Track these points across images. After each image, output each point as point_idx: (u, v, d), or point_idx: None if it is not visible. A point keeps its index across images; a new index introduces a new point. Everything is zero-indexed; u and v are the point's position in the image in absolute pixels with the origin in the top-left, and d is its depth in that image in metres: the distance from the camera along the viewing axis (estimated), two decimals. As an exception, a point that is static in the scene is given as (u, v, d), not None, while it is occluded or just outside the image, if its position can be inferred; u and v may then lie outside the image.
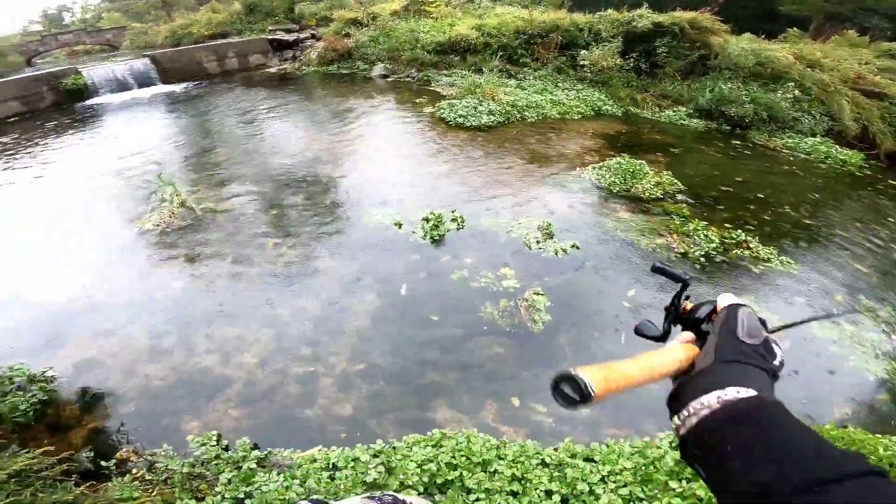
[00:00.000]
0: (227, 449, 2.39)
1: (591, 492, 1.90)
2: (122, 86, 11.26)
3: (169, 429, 2.59)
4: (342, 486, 1.96)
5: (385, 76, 10.43)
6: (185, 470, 2.17)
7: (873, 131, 7.33)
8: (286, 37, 13.31)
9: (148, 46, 15.10)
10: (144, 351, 3.12)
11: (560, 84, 9.27)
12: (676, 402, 0.47)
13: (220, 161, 6.32)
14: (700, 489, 1.81)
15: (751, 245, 4.10)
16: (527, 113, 7.60)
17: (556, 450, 2.22)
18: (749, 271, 3.84)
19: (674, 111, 8.33)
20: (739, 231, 4.30)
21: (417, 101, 8.43)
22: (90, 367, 3.02)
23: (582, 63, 9.40)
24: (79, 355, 3.11)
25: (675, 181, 5.32)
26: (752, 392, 0.43)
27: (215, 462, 2.27)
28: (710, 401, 0.44)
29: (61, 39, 18.54)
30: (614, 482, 1.93)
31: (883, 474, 0.36)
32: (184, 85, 11.65)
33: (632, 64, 9.17)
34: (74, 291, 3.75)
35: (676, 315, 0.66)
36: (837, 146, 7.18)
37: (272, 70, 12.59)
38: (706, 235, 4.18)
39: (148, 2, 20.11)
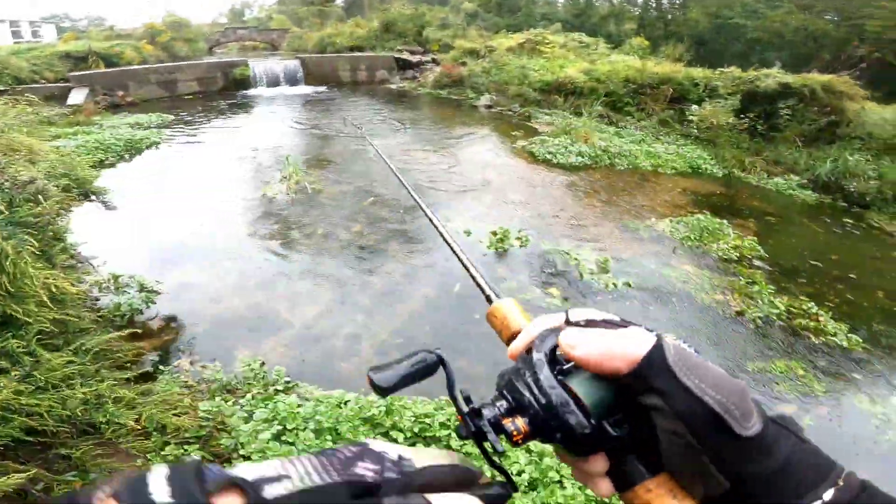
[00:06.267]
0: (264, 375, 2.79)
1: (560, 481, 2.08)
2: (274, 81, 13.41)
3: (227, 350, 3.11)
4: (344, 415, 2.35)
5: (489, 107, 11.12)
6: (224, 380, 2.66)
7: None
8: (410, 57, 14.80)
9: (300, 50, 17.49)
10: (231, 287, 3.87)
11: (661, 137, 9.13)
12: None
13: (333, 157, 7.39)
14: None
15: (820, 318, 3.82)
16: (617, 160, 7.62)
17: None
18: (808, 340, 3.59)
19: (784, 179, 7.76)
20: (812, 304, 4.00)
21: (514, 133, 8.92)
22: (187, 290, 3.79)
23: (690, 118, 9.19)
24: (181, 279, 3.91)
25: (758, 248, 5.06)
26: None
27: (251, 381, 2.71)
28: None
29: (238, 34, 21.52)
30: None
31: None
32: (321, 88, 13.52)
33: (746, 124, 8.75)
34: (197, 230, 4.79)
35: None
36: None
37: (393, 86, 14.04)
38: (771, 301, 3.98)
39: (309, 9, 23.37)
